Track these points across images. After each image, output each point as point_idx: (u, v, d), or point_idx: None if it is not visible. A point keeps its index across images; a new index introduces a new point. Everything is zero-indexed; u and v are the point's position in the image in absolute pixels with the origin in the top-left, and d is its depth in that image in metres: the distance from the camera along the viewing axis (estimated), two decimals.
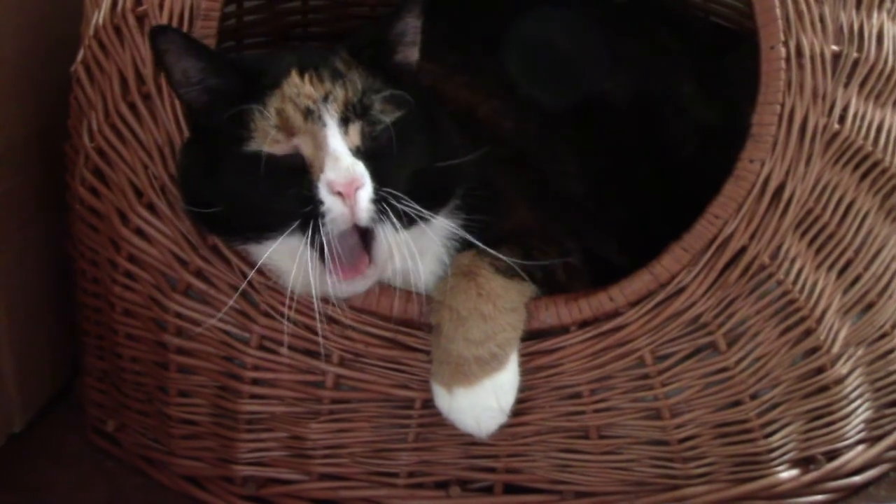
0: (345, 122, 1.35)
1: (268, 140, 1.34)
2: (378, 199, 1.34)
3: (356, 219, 1.34)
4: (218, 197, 1.39)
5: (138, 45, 1.52)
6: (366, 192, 1.33)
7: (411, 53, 1.44)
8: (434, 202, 1.42)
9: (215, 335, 1.54)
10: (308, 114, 1.35)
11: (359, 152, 1.35)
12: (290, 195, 1.35)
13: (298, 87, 1.36)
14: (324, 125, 1.34)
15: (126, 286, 1.59)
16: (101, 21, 1.56)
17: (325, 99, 1.35)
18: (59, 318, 1.83)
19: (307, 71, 1.37)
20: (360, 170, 1.33)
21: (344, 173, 1.33)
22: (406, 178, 1.38)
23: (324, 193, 1.33)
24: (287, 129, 1.35)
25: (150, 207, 1.53)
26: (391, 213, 1.35)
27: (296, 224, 1.35)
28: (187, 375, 1.58)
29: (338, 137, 1.34)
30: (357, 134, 1.36)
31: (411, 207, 1.35)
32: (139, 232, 1.55)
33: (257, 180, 1.35)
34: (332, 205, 1.33)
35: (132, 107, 1.53)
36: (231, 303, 1.49)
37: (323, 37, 2.06)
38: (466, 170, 1.43)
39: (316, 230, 1.34)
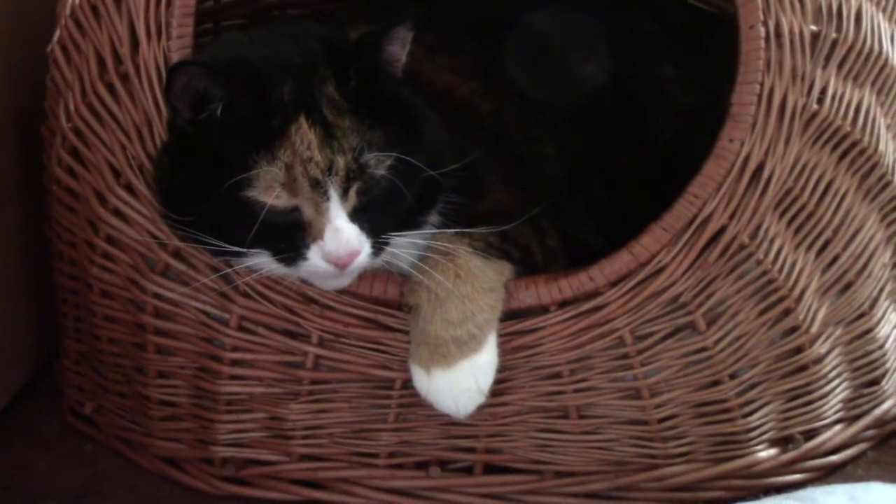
0: (345, 190, 1.35)
1: (272, 196, 1.33)
2: (373, 250, 1.37)
3: (347, 272, 1.37)
4: (200, 218, 1.38)
5: (115, 25, 1.51)
6: (363, 256, 1.36)
7: (399, 68, 1.42)
8: (420, 215, 1.44)
9: (194, 316, 1.54)
10: (315, 184, 1.33)
11: (355, 212, 1.36)
12: (280, 241, 1.36)
13: (309, 145, 1.34)
14: (328, 199, 1.34)
15: (104, 267, 1.58)
16: (77, 0, 1.55)
17: (329, 170, 1.34)
18: (36, 301, 1.82)
19: (311, 116, 1.35)
20: (358, 240, 1.35)
21: (344, 246, 1.34)
22: (398, 214, 1.40)
23: (314, 255, 1.35)
24: (292, 190, 1.34)
25: (129, 188, 1.52)
26: (383, 251, 1.39)
27: (278, 258, 1.37)
28: (166, 357, 1.58)
29: (339, 209, 1.34)
30: (355, 195, 1.36)
31: (400, 234, 1.40)
32: (117, 212, 1.54)
33: (249, 222, 1.34)
34: (319, 264, 1.35)
35: (110, 87, 1.52)
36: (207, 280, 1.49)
37: (301, 18, 2.05)
38: (452, 175, 1.43)
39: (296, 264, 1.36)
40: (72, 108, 1.56)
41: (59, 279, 1.71)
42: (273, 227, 1.35)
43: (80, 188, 1.58)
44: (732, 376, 1.54)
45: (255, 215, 1.33)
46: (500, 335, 1.48)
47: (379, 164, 1.36)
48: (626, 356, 1.51)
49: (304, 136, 1.34)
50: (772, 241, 1.49)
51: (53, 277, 1.73)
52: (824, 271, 1.55)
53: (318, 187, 1.33)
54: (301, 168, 1.33)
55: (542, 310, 1.49)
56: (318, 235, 1.34)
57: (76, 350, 1.72)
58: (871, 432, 1.66)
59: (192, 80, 1.33)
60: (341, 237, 1.33)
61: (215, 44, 1.66)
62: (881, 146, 1.56)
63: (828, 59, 1.50)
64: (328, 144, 1.34)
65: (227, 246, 1.36)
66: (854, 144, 1.53)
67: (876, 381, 1.66)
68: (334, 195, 1.34)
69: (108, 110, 1.53)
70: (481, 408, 1.46)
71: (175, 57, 1.47)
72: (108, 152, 1.53)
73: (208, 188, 1.36)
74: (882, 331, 1.64)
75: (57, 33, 1.61)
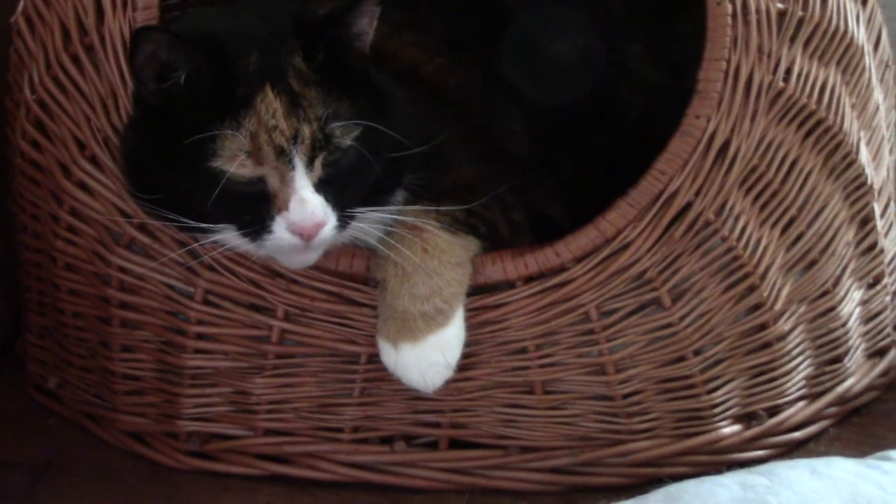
0: (311, 160, 1.34)
1: (236, 164, 1.33)
2: (339, 223, 1.36)
3: (313, 245, 1.36)
4: (166, 194, 1.37)
5: None
6: (328, 227, 1.35)
7: (367, 42, 1.41)
8: (386, 192, 1.44)
9: (159, 289, 1.53)
10: (280, 153, 1.33)
11: (321, 183, 1.35)
12: (245, 213, 1.35)
13: (274, 114, 1.33)
14: (293, 168, 1.33)
15: (68, 240, 1.58)
16: None
17: (295, 139, 1.33)
18: None
19: (277, 85, 1.34)
20: (324, 211, 1.34)
21: (309, 216, 1.33)
22: (364, 188, 1.39)
23: (279, 227, 1.34)
24: (257, 159, 1.33)
25: (93, 160, 1.52)
26: (349, 225, 1.38)
27: (243, 231, 1.36)
28: (131, 330, 1.57)
29: (305, 179, 1.34)
30: (321, 166, 1.35)
31: (366, 209, 1.39)
32: (82, 185, 1.53)
33: (214, 193, 1.33)
34: (284, 236, 1.34)
35: (75, 58, 1.52)
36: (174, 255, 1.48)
37: None
38: (417, 158, 1.43)
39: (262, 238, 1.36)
40: (36, 79, 1.55)
41: (23, 253, 1.70)
42: (238, 199, 1.34)
43: (44, 161, 1.57)
44: (697, 352, 1.54)
45: (220, 186, 1.33)
46: (467, 310, 1.48)
47: (345, 135, 1.36)
48: (591, 332, 1.51)
49: (270, 104, 1.34)
50: (737, 218, 1.50)
51: (17, 251, 1.72)
52: (789, 249, 1.56)
53: (283, 156, 1.33)
54: (266, 136, 1.33)
55: (509, 285, 1.50)
56: (284, 206, 1.34)
57: (40, 324, 1.71)
58: (833, 409, 1.68)
59: (157, 49, 1.33)
60: (306, 207, 1.33)
61: (182, 17, 1.65)
62: (846, 125, 1.57)
63: (794, 37, 1.51)
64: (294, 113, 1.34)
65: (192, 222, 1.36)
66: (819, 123, 1.54)
67: (838, 359, 1.67)
68: (300, 164, 1.33)
69: (72, 82, 1.52)
70: (448, 382, 1.46)
71: None
72: (72, 124, 1.52)
73: (174, 160, 1.35)
74: (845, 309, 1.65)
75: (21, 4, 1.60)
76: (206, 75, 1.34)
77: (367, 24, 1.40)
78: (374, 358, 1.49)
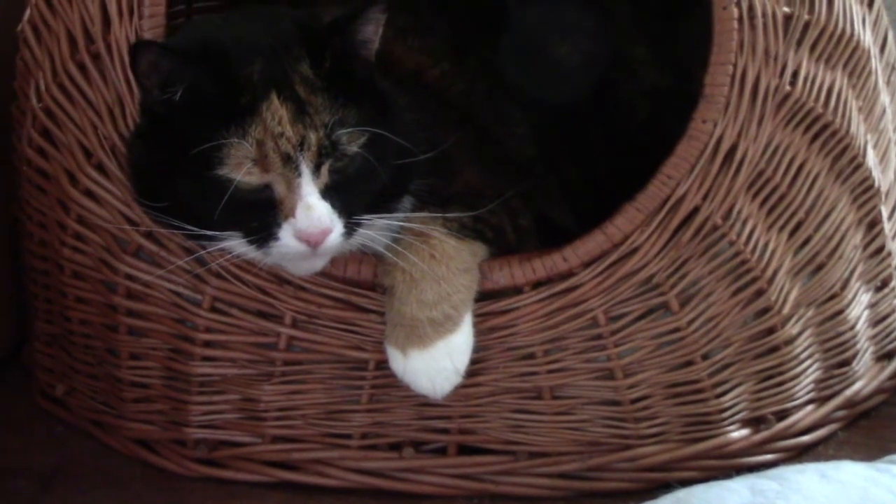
0: (317, 167, 1.34)
1: (243, 171, 1.33)
2: (346, 230, 1.36)
3: (320, 252, 1.36)
4: (173, 201, 1.37)
5: (86, 4, 1.50)
6: (335, 234, 1.35)
7: (373, 50, 1.41)
8: (392, 199, 1.44)
9: (166, 297, 1.53)
10: (287, 160, 1.33)
11: (328, 190, 1.35)
12: (252, 220, 1.35)
13: (280, 121, 1.33)
14: (299, 175, 1.33)
15: (75, 248, 1.58)
16: None
17: (301, 145, 1.33)
18: (5, 283, 1.80)
19: (283, 93, 1.35)
20: (330, 218, 1.34)
21: (316, 223, 1.33)
22: (371, 195, 1.39)
23: (286, 234, 1.34)
24: (263, 166, 1.33)
25: (100, 168, 1.52)
26: (356, 232, 1.38)
27: (250, 238, 1.36)
28: (138, 338, 1.57)
29: (311, 186, 1.34)
30: (327, 172, 1.35)
31: (373, 216, 1.39)
32: (88, 193, 1.53)
33: (220, 201, 1.33)
34: (291, 243, 1.34)
35: (81, 66, 1.52)
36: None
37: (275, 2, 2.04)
38: (423, 164, 1.43)
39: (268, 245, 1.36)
40: (42, 88, 1.55)
41: (30, 260, 1.70)
42: (245, 206, 1.34)
43: (50, 168, 1.57)
44: (705, 357, 1.54)
45: (227, 194, 1.33)
46: (475, 315, 1.48)
47: (352, 142, 1.36)
48: (599, 337, 1.51)
49: (276, 112, 1.34)
50: (745, 222, 1.50)
51: (23, 258, 1.72)
52: (796, 252, 1.56)
53: (289, 163, 1.33)
54: (272, 144, 1.33)
55: (516, 290, 1.50)
56: (290, 213, 1.34)
57: (47, 332, 1.71)
58: (841, 413, 1.67)
59: (158, 59, 1.33)
60: (313, 214, 1.33)
61: (187, 25, 1.66)
62: (853, 128, 1.57)
63: (800, 40, 1.51)
64: (300, 120, 1.34)
65: (199, 230, 1.36)
66: (826, 126, 1.54)
67: (847, 362, 1.67)
68: (306, 171, 1.33)
69: (79, 90, 1.52)
70: (456, 388, 1.46)
71: (147, 36, 1.46)
72: (79, 132, 1.52)
73: (180, 169, 1.35)
74: (853, 312, 1.65)
75: (27, 13, 1.60)
76: (209, 85, 1.34)
77: (372, 32, 1.40)
78: (383, 364, 1.49)
